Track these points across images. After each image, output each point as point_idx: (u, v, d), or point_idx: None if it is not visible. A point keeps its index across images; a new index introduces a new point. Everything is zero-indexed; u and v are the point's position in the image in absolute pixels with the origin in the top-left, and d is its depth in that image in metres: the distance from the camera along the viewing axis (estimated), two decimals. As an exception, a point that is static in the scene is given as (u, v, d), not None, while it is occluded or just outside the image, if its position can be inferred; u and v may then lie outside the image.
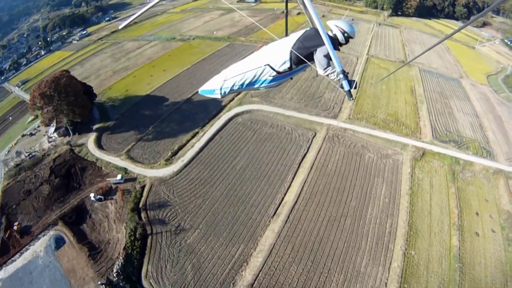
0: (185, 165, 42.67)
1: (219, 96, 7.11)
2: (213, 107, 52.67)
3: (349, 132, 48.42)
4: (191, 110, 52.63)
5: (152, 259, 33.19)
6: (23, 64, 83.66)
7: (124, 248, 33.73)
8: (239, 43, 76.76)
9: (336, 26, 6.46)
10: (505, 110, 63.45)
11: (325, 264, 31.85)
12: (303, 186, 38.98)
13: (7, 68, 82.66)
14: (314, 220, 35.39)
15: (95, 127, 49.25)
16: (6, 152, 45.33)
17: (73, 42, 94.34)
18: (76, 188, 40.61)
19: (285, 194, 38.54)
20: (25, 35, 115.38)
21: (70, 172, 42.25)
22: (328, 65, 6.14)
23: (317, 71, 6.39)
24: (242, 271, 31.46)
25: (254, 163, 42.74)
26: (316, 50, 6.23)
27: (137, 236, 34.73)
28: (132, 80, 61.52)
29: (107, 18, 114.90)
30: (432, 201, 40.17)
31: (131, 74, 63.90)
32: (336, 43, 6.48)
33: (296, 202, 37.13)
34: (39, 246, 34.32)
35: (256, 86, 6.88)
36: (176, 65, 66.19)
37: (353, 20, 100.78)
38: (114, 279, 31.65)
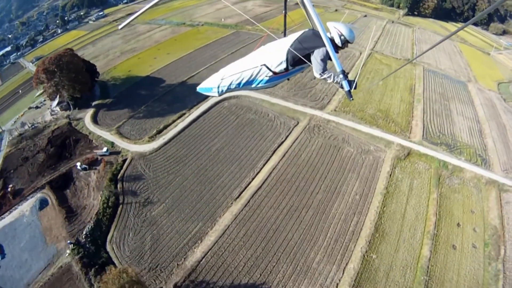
0: (165, 143, 44.18)
1: (216, 94, 7.16)
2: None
3: (332, 124, 46.92)
4: (183, 92, 53.80)
5: (118, 226, 35.25)
6: (39, 41, 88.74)
7: (96, 214, 36.08)
8: (245, 31, 76.22)
9: (335, 28, 6.35)
10: (511, 119, 58.15)
11: (275, 253, 31.47)
12: (270, 173, 38.86)
13: (23, 44, 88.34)
14: (274, 208, 35.18)
15: (94, 103, 52.26)
16: (13, 123, 49.72)
17: (90, 22, 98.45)
18: (67, 158, 43.73)
19: (252, 179, 38.65)
20: (44, 13, 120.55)
21: (65, 143, 45.49)
22: (325, 69, 6.14)
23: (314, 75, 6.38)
24: (194, 248, 32.41)
25: (230, 147, 43.16)
26: (313, 52, 6.22)
27: (109, 204, 36.95)
28: (136, 62, 63.91)
29: (125, 1, 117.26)
30: (408, 205, 37.91)
31: (136, 56, 66.38)
32: (334, 46, 6.36)
33: (259, 187, 37.20)
34: (26, 207, 37.78)
35: (252, 85, 6.89)
36: (180, 49, 67.52)
37: (365, 16, 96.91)
38: (82, 240, 34.11)
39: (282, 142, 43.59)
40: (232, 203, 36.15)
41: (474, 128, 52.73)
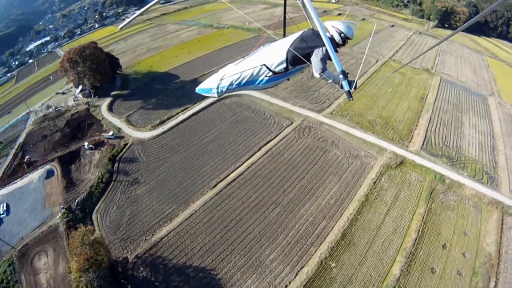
0: (163, 132, 48.56)
1: (215, 95, 7.27)
2: (211, 88, 57.43)
3: (325, 126, 47.10)
4: (192, 89, 56.30)
5: (106, 200, 39.79)
6: (77, 33, 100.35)
7: (90, 187, 41.22)
8: (265, 35, 78.91)
9: (333, 26, 6.49)
10: None
11: (231, 243, 32.70)
12: (249, 167, 40.60)
13: (62, 35, 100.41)
14: (243, 200, 36.75)
15: (113, 93, 59.26)
16: (40, 105, 58.43)
17: (126, 19, 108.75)
18: (79, 138, 50.35)
19: (232, 172, 40.74)
20: (85, 8, 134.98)
21: (80, 126, 52.45)
22: (325, 69, 6.20)
23: (312, 73, 6.50)
24: (163, 227, 35.41)
25: (220, 140, 45.88)
26: (313, 51, 6.30)
27: (103, 180, 41.96)
28: (159, 58, 70.67)
29: (162, 1, 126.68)
30: (388, 216, 36.12)
31: (160, 53, 73.38)
32: (334, 44, 6.54)
33: (234, 179, 39.14)
34: (35, 175, 44.53)
35: (252, 86, 6.95)
36: (201, 49, 73.07)
37: (392, 26, 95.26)
38: (73, 207, 39.37)
39: (271, 140, 45.08)
40: (207, 192, 38.59)
41: (486, 143, 49.03)
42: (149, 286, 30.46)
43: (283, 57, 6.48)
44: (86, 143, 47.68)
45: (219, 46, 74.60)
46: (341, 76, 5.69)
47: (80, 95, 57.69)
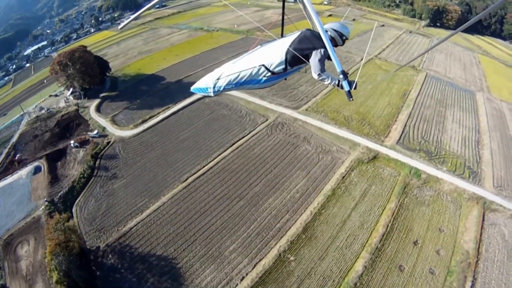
0: (143, 131, 51.52)
1: (211, 94, 7.37)
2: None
3: (299, 122, 48.92)
4: (176, 89, 61.32)
5: (86, 193, 42.81)
6: (73, 38, 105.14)
7: (73, 182, 44.55)
8: (254, 37, 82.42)
9: (332, 29, 6.72)
10: None
11: (194, 234, 34.50)
12: (218, 162, 42.93)
13: (58, 40, 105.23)
14: (209, 193, 38.85)
15: (102, 95, 62.93)
16: (34, 107, 62.57)
17: (121, 24, 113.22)
18: (67, 137, 53.92)
19: (203, 167, 43.17)
20: (83, 13, 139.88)
21: (69, 126, 56.22)
22: (323, 70, 6.29)
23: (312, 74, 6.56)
24: (134, 218, 38.09)
25: (195, 137, 48.42)
26: (311, 52, 6.38)
27: (85, 175, 45.12)
28: (148, 61, 74.29)
29: (157, 6, 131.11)
30: (355, 211, 36.55)
31: (150, 56, 77.05)
32: (333, 45, 6.67)
33: (203, 174, 41.51)
34: (24, 172, 48.22)
35: (250, 85, 7.05)
36: (189, 51, 76.36)
37: (383, 25, 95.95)
38: (56, 200, 42.70)
39: (244, 137, 47.28)
40: (177, 186, 41.13)
41: (470, 138, 49.72)
42: (116, 273, 32.96)
43: (282, 57, 6.61)
44: (72, 142, 51.19)
45: (206, 48, 77.75)
46: (341, 76, 5.77)
47: (71, 97, 61.70)
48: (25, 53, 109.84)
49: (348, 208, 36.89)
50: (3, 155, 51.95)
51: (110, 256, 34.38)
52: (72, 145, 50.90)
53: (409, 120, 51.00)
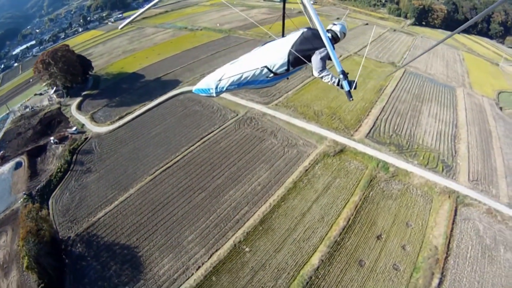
0: (119, 127, 54.03)
1: (214, 95, 7.47)
2: (171, 86, 62.90)
3: (267, 117, 51.05)
4: (154, 87, 63.88)
5: (62, 187, 45.42)
6: (61, 37, 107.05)
7: (50, 176, 47.43)
8: (235, 35, 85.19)
9: (333, 30, 7.10)
10: (502, 126, 55.39)
11: (155, 224, 36.47)
12: (185, 155, 45.41)
13: (46, 39, 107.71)
14: (173, 186, 41.10)
15: (84, 93, 65.60)
16: (19, 106, 65.49)
17: (109, 23, 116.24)
18: (48, 134, 56.87)
19: (171, 161, 45.71)
20: (72, 12, 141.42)
21: (50, 123, 59.14)
22: (324, 68, 6.41)
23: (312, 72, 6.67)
24: (102, 209, 40.60)
25: (167, 133, 50.86)
26: (313, 52, 6.51)
27: (62, 170, 47.75)
28: (131, 60, 76.85)
29: (145, 5, 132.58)
30: (316, 204, 37.41)
31: (133, 55, 79.60)
32: (333, 44, 6.85)
33: (169, 167, 44.00)
34: (6, 167, 51.03)
35: (252, 85, 7.22)
36: (171, 50, 78.83)
37: (367, 24, 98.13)
38: (34, 193, 45.58)
39: (213, 131, 49.66)
40: (145, 178, 43.72)
41: (446, 132, 51.24)
42: (83, 261, 35.43)
43: (285, 59, 6.74)
44: (52, 138, 54.08)
45: (188, 47, 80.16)
46: (341, 76, 5.86)
47: (54, 96, 64.61)
48: (14, 53, 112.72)
49: (309, 201, 37.89)
50: None
51: (78, 245, 36.91)
52: (52, 141, 53.71)
53: (382, 114, 52.71)
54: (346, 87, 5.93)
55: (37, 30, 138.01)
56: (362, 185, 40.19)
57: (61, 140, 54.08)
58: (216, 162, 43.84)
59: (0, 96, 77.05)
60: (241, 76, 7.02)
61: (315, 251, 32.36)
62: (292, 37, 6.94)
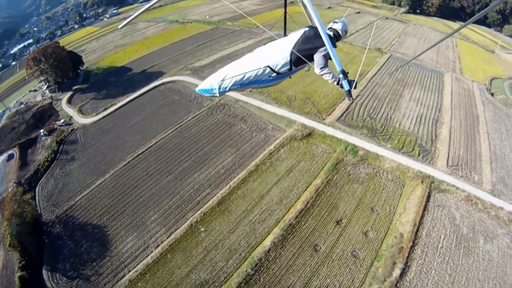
0: (102, 118, 57.61)
1: (217, 95, 7.71)
2: (154, 77, 66.18)
3: (240, 103, 53.01)
4: (139, 79, 67.20)
5: (48, 175, 49.39)
6: (57, 35, 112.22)
7: (38, 165, 51.97)
8: (224, 27, 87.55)
9: (334, 28, 7.34)
10: (491, 111, 54.86)
11: (124, 206, 39.39)
12: (157, 142, 48.42)
13: (43, 37, 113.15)
14: (143, 170, 43.94)
15: (74, 87, 69.89)
16: (15, 102, 70.53)
17: (104, 19, 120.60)
18: (39, 128, 61.67)
19: (146, 148, 48.85)
20: (69, 9, 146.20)
21: (42, 117, 63.93)
22: (325, 65, 6.65)
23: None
24: (80, 193, 44.31)
25: (145, 122, 53.91)
26: (315, 51, 6.78)
27: (49, 159, 51.95)
28: (121, 55, 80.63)
29: (141, 0, 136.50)
30: (276, 186, 38.38)
31: (123, 50, 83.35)
32: (334, 41, 7.17)
33: (142, 153, 47.17)
34: (1, 160, 56.11)
35: (255, 85, 7.46)
36: (159, 43, 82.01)
37: (359, 12, 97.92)
38: (22, 182, 50.15)
39: (187, 118, 52.43)
40: (120, 164, 47.04)
41: (428, 116, 51.36)
42: (59, 240, 39.15)
43: (287, 58, 6.91)
44: (42, 131, 58.75)
45: (176, 39, 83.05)
46: (341, 75, 5.97)
47: (47, 91, 69.35)
48: (12, 52, 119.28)
49: (269, 184, 39.00)
50: None
51: (57, 226, 40.64)
52: (41, 134, 58.20)
53: (358, 98, 53.33)
54: (346, 87, 6.06)
55: (35, 29, 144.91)
56: (327, 169, 40.49)
57: (50, 132, 58.51)
58: (185, 147, 46.48)
59: None
60: (244, 76, 7.22)
61: (269, 233, 33.04)
62: (294, 36, 7.14)
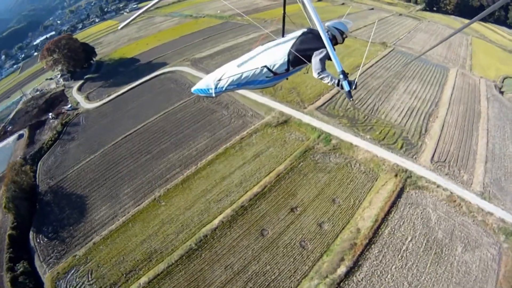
0: (103, 104, 64.81)
1: (213, 95, 8.13)
2: (157, 68, 72.50)
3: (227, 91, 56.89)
4: (143, 69, 73.94)
5: (49, 153, 56.72)
6: (79, 28, 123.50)
7: (42, 144, 59.92)
8: (234, 21, 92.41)
9: (333, 27, 7.29)
10: (497, 108, 53.87)
11: (105, 179, 44.72)
12: (145, 124, 53.77)
13: (65, 30, 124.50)
14: (127, 149, 49.52)
15: (86, 76, 78.60)
16: (31, 90, 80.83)
17: (124, 13, 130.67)
18: (49, 111, 70.39)
19: (133, 130, 54.39)
20: (92, 3, 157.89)
21: (54, 103, 72.80)
22: (323, 69, 6.82)
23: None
24: (73, 168, 50.70)
25: (140, 107, 59.78)
26: (313, 53, 6.91)
27: (52, 139, 59.97)
28: (133, 47, 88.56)
29: None
30: (240, 170, 41.23)
31: (136, 42, 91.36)
32: (334, 43, 7.19)
33: (130, 134, 52.63)
34: (11, 138, 64.49)
35: (252, 86, 7.74)
36: (169, 37, 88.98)
37: (372, 9, 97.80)
38: (27, 158, 58.15)
39: (176, 104, 57.40)
40: (109, 144, 52.93)
41: (420, 109, 51.75)
42: (48, 207, 45.46)
43: (285, 59, 7.21)
44: (50, 114, 67.22)
45: (186, 33, 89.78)
46: (341, 76, 6.16)
47: (61, 80, 78.65)
48: (35, 43, 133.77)
49: (234, 167, 41.91)
50: (0, 128, 70.58)
51: (48, 195, 47.10)
52: (50, 117, 66.71)
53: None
54: (346, 87, 6.21)
55: (58, 22, 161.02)
56: (294, 156, 42.08)
57: (58, 115, 66.69)
58: (167, 130, 51.37)
59: (19, 82, 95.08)
60: (241, 76, 7.50)
61: (221, 213, 35.40)
62: (292, 37, 7.38)
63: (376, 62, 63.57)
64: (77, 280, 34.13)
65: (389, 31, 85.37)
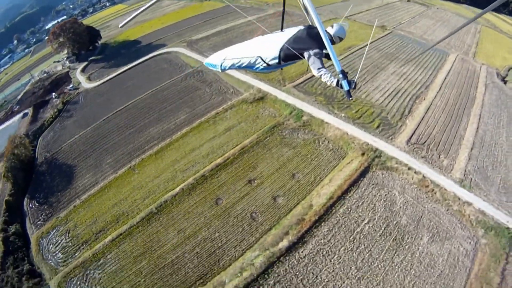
0: (102, 83, 70.17)
1: (219, 71, 9.63)
2: (155, 49, 76.84)
3: (213, 70, 59.84)
4: (143, 51, 78.55)
5: (49, 129, 62.83)
6: (89, 12, 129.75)
7: (44, 121, 66.25)
8: (236, 4, 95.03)
9: (337, 36, 7.97)
10: (494, 95, 53.14)
11: (93, 150, 49.71)
12: (134, 101, 58.16)
13: (76, 14, 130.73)
14: (115, 123, 54.23)
15: (90, 58, 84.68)
16: (39, 72, 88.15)
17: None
18: (53, 91, 76.98)
19: (123, 106, 59.03)
20: None
21: (58, 83, 79.35)
22: (322, 66, 7.26)
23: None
24: (67, 142, 56.10)
25: (134, 86, 64.27)
26: (306, 51, 7.43)
27: (53, 116, 66.17)
28: (138, 29, 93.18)
29: None
30: (209, 142, 44.29)
31: (141, 25, 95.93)
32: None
33: (119, 110, 57.24)
34: (17, 117, 71.30)
35: (250, 69, 8.98)
36: (172, 19, 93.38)
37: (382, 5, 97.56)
38: (29, 134, 64.59)
39: (165, 83, 61.27)
40: (101, 119, 57.92)
41: (407, 91, 52.00)
42: (41, 176, 51.03)
43: (276, 53, 7.93)
44: (53, 94, 73.66)
45: (189, 15, 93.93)
46: (340, 76, 6.46)
47: (67, 62, 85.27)
48: (46, 27, 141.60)
49: (204, 140, 45.20)
50: (8, 108, 78.17)
51: (43, 166, 52.85)
52: (53, 96, 73.13)
53: (329, 67, 56.19)
54: (346, 87, 6.46)
55: (70, 6, 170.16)
56: (262, 131, 44.28)
57: (60, 95, 73.03)
58: (153, 106, 55.47)
59: (29, 65, 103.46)
60: (240, 61, 8.60)
61: (184, 181, 38.33)
62: (288, 33, 8.02)
63: (369, 45, 63.46)
64: (56, 238, 39.26)
65: (392, 16, 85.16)
